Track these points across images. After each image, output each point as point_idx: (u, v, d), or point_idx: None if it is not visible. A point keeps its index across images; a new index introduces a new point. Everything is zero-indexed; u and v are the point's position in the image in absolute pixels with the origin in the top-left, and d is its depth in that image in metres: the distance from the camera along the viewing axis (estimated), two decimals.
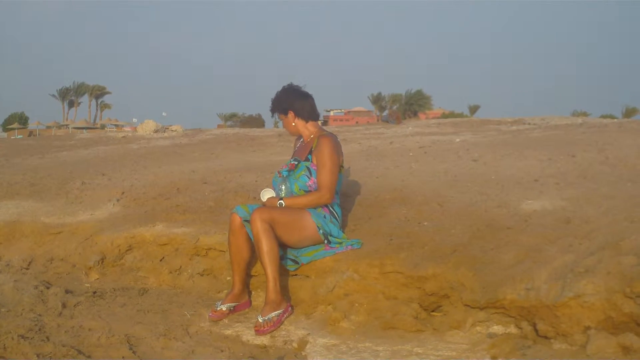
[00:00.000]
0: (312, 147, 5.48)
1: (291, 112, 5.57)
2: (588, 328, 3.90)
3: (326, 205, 5.42)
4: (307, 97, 5.63)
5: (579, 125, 15.21)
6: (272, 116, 5.81)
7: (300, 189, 5.40)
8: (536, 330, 4.11)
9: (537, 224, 5.22)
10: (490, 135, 13.29)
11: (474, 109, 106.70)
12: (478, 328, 4.41)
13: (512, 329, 4.29)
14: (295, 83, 5.69)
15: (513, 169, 7.69)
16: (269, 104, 5.71)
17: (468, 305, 4.50)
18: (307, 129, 5.63)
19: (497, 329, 4.35)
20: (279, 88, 5.67)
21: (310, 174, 5.39)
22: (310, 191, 5.39)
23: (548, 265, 4.35)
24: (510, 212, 5.65)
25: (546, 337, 4.04)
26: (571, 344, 3.92)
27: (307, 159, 5.46)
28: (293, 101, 5.57)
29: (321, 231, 5.33)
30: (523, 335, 4.17)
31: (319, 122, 5.73)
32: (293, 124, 5.61)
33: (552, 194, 6.09)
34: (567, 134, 12.35)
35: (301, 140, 5.77)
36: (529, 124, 17.79)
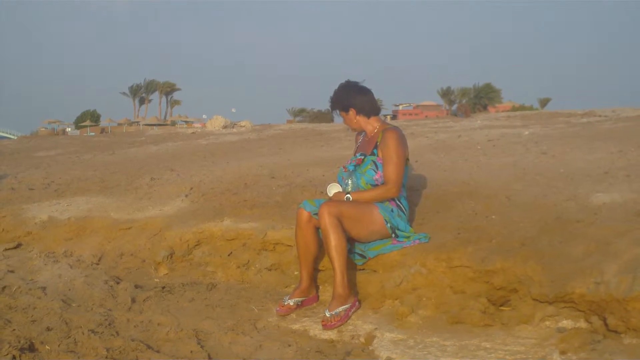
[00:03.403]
0: (377, 141, 5.45)
1: (352, 109, 5.55)
2: None
3: (393, 199, 5.40)
4: (366, 93, 5.60)
5: None
6: (332, 113, 5.81)
7: (367, 183, 5.39)
8: (606, 325, 4.04)
9: (607, 217, 5.13)
10: (559, 128, 13.10)
11: (544, 102, 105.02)
12: (547, 322, 4.36)
13: (582, 324, 4.23)
14: (359, 79, 5.66)
15: (582, 162, 7.58)
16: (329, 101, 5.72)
17: (537, 300, 4.45)
18: (369, 124, 5.61)
19: (566, 323, 4.29)
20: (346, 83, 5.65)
21: (377, 167, 5.36)
22: (377, 185, 5.37)
23: (618, 258, 4.27)
24: (579, 205, 5.57)
25: (616, 332, 3.98)
26: None
27: (372, 153, 5.44)
28: (353, 98, 5.54)
29: (389, 225, 5.31)
30: (593, 330, 4.11)
31: (387, 117, 5.70)
32: (355, 120, 5.61)
33: (622, 186, 5.98)
34: (638, 125, 12.13)
35: (363, 134, 5.75)
36: (600, 116, 17.48)
